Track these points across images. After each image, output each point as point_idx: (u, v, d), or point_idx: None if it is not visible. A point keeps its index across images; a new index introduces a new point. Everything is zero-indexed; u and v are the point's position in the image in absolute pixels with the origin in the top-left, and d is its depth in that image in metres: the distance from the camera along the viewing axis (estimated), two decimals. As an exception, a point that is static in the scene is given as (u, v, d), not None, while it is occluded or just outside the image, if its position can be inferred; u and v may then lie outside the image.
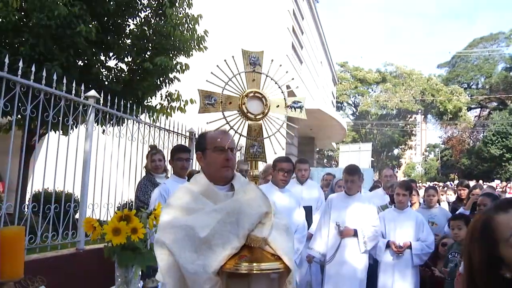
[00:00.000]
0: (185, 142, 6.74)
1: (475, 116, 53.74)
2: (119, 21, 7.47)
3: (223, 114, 2.06)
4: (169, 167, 4.95)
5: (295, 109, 2.26)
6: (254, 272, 1.90)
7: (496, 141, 39.51)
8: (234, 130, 2.07)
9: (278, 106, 2.21)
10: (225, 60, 2.06)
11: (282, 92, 2.23)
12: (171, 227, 2.02)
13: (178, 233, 1.98)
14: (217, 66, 2.04)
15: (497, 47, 51.19)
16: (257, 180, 2.13)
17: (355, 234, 4.96)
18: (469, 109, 52.24)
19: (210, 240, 1.92)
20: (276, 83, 2.21)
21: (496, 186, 14.09)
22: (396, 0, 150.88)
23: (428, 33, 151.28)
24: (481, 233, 1.41)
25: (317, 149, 33.02)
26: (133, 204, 5.14)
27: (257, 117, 2.11)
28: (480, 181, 21.04)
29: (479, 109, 54.61)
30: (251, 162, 2.14)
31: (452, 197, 8.98)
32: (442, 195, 9.08)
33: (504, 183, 19.67)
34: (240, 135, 2.09)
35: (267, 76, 2.20)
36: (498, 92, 48.82)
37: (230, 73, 2.08)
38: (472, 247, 1.43)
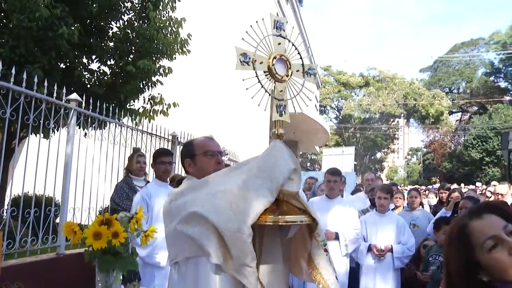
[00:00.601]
0: (167, 145, 6.71)
1: (456, 120, 54.58)
2: (102, 23, 7.40)
3: (255, 72, 2.15)
4: (151, 170, 4.92)
5: (309, 75, 2.40)
6: (280, 224, 1.93)
7: (477, 145, 40.11)
8: (264, 89, 2.17)
9: (298, 70, 2.34)
10: (256, 22, 2.20)
11: (300, 58, 2.36)
12: (196, 199, 2.03)
13: (206, 200, 1.99)
14: (251, 26, 2.16)
15: (477, 52, 52.15)
16: (282, 138, 2.21)
17: (336, 237, 5.00)
18: (451, 113, 53.06)
19: (244, 195, 1.93)
20: (296, 48, 2.36)
21: (476, 189, 14.29)
22: (384, 3, 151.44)
23: (416, 37, 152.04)
24: (457, 238, 1.44)
25: (300, 152, 33.15)
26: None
27: (283, 78, 2.23)
28: (462, 184, 21.39)
29: (460, 113, 55.48)
30: (275, 121, 2.23)
31: (434, 200, 9.10)
32: (423, 198, 9.21)
33: (485, 186, 19.95)
34: (270, 95, 2.20)
35: (289, 41, 2.35)
36: (478, 97, 49.69)
37: (260, 35, 2.21)
38: (450, 252, 1.46)
